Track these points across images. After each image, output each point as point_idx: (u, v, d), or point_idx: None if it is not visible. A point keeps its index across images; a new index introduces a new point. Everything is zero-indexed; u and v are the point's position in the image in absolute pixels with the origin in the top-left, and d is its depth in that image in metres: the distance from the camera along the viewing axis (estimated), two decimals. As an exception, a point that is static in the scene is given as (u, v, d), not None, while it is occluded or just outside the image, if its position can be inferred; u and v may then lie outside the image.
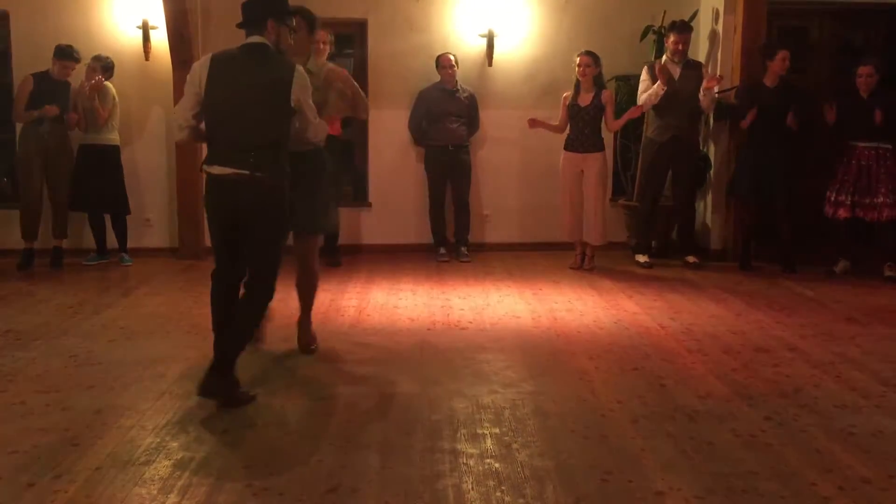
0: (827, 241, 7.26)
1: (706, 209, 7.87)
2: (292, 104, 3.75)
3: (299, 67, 3.82)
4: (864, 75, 6.65)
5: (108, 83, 7.06)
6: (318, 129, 4.02)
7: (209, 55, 3.81)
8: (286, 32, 3.88)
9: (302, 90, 3.77)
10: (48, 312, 5.51)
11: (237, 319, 3.83)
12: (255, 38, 3.79)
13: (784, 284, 6.55)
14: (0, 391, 3.97)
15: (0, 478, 3.02)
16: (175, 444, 3.36)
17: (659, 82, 6.89)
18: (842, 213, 6.71)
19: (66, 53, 6.90)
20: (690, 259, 7.26)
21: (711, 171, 7.73)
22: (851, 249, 6.91)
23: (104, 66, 7.03)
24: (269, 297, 3.91)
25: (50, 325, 5.19)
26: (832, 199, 6.77)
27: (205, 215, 3.99)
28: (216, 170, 3.72)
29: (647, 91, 7.05)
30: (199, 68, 3.77)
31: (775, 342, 4.92)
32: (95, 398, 3.88)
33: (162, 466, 3.14)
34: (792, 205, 6.98)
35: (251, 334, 3.94)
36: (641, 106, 7.03)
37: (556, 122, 7.07)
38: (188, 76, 3.82)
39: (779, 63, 6.86)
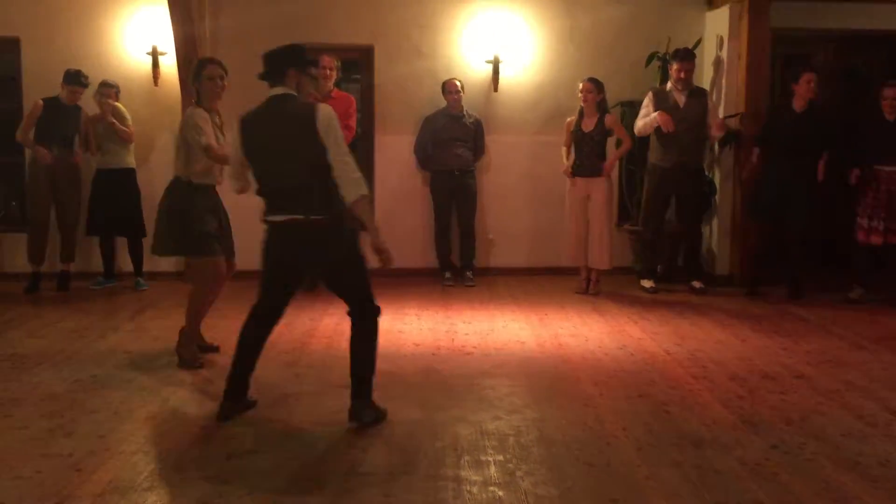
0: (841, 268, 7.24)
1: (712, 234, 7.87)
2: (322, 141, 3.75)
3: (322, 105, 3.86)
4: (891, 98, 6.62)
5: (119, 104, 7.12)
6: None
7: (239, 118, 3.89)
8: (307, 81, 3.98)
9: (326, 127, 3.76)
10: (54, 336, 5.52)
11: (362, 346, 3.95)
12: (279, 90, 3.87)
13: (791, 311, 6.52)
14: (4, 415, 3.97)
15: (3, 503, 3.01)
16: (178, 470, 3.35)
17: (656, 115, 6.93)
18: (874, 238, 6.67)
19: (74, 79, 6.96)
20: (696, 284, 7.25)
21: (717, 196, 7.74)
22: (869, 276, 6.87)
23: (116, 90, 7.09)
24: (376, 312, 4.02)
25: (55, 349, 5.20)
26: (865, 225, 6.71)
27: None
28: (276, 218, 3.79)
29: (645, 119, 7.08)
30: (234, 132, 3.93)
31: (782, 369, 4.89)
32: (99, 423, 3.88)
33: (164, 493, 3.14)
34: (806, 231, 6.93)
35: (375, 354, 3.99)
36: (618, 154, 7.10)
37: (565, 156, 7.13)
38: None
39: (803, 86, 6.82)
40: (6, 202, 8.14)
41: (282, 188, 3.79)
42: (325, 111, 3.79)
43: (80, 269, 7.41)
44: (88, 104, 7.15)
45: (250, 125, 3.88)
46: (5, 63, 7.66)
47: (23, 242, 7.20)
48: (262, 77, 3.93)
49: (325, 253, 3.81)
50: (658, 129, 7.06)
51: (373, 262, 3.96)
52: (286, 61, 3.91)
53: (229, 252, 4.96)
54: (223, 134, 4.83)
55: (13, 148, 7.16)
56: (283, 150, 3.78)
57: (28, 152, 7.10)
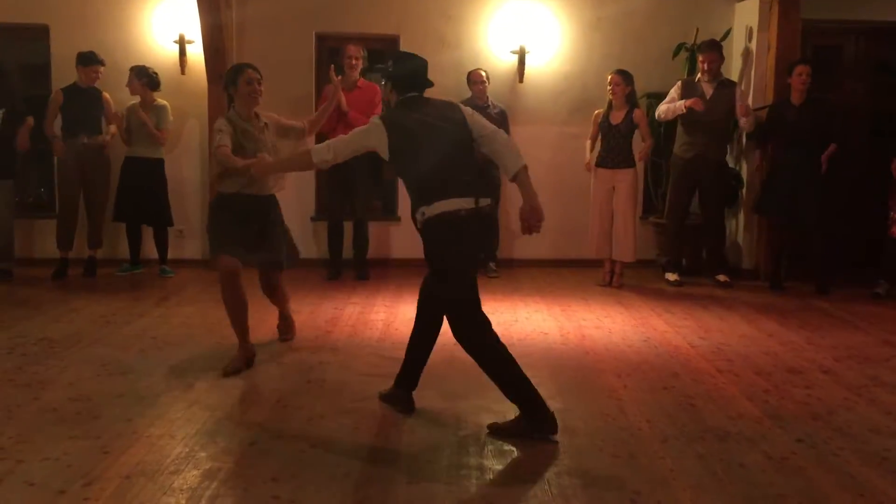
0: (871, 263, 7.18)
1: (737, 228, 7.81)
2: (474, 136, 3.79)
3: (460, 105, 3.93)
4: None
5: (163, 102, 7.16)
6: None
7: (382, 122, 3.77)
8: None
9: (471, 113, 3.86)
10: (81, 321, 5.59)
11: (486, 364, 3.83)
12: (415, 93, 3.87)
13: (817, 305, 6.46)
14: (33, 398, 4.02)
15: (33, 484, 3.06)
16: (204, 455, 3.38)
17: (683, 102, 6.89)
18: None
19: (89, 58, 7.01)
20: (721, 278, 7.20)
21: (743, 190, 7.67)
22: None
23: (150, 81, 7.13)
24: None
25: (83, 333, 5.27)
26: None
27: None
28: (462, 205, 3.67)
29: (669, 105, 7.03)
30: (377, 134, 3.74)
31: (808, 364, 4.85)
32: (126, 407, 3.93)
33: (191, 476, 3.17)
34: (824, 223, 6.89)
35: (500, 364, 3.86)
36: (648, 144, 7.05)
37: (588, 149, 7.10)
38: (363, 130, 3.85)
39: (795, 79, 6.81)
40: (35, 188, 8.23)
41: (455, 177, 3.70)
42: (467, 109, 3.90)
43: (106, 255, 7.49)
44: (118, 92, 7.22)
45: (404, 126, 3.76)
46: (35, 51, 7.75)
47: (51, 228, 7.30)
48: (417, 89, 3.89)
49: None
50: (683, 118, 7.01)
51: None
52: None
53: (268, 263, 4.84)
54: (264, 136, 4.70)
55: (42, 135, 7.24)
56: (451, 147, 3.73)
57: (59, 136, 7.17)
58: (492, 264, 7.61)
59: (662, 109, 7.13)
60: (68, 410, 3.86)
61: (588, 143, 7.11)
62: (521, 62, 7.78)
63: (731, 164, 7.69)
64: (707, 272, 7.41)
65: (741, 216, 7.74)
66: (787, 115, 6.89)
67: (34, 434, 3.56)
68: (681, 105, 6.93)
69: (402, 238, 7.95)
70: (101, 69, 7.08)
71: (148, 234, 7.37)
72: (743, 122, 7.04)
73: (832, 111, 6.96)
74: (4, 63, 7.29)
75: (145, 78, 7.09)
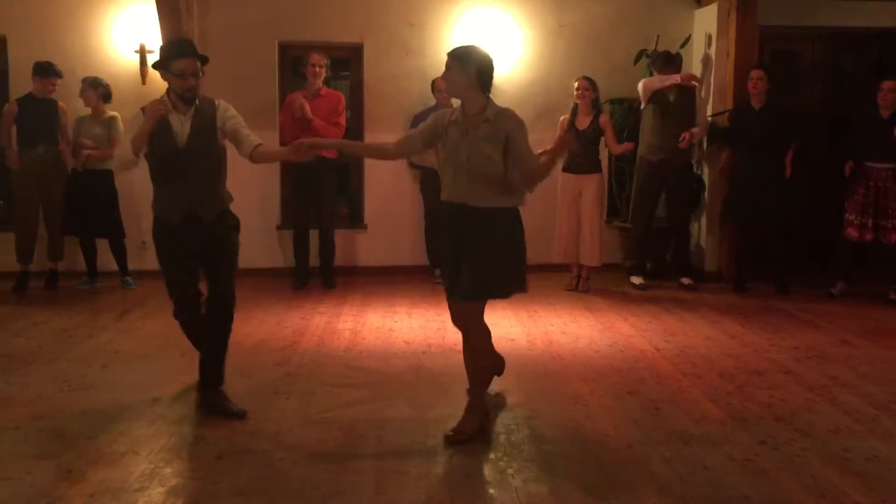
0: (823, 263, 7.32)
1: (700, 231, 7.91)
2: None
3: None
4: (887, 89, 6.62)
5: (115, 112, 7.06)
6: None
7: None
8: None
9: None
10: (42, 336, 5.50)
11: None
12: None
13: (778, 306, 6.56)
14: (-6, 416, 3.96)
15: (-7, 505, 3.01)
16: (169, 471, 3.35)
17: (678, 75, 7.01)
18: (867, 235, 6.71)
19: (47, 70, 6.89)
20: (685, 281, 7.28)
21: (706, 193, 7.78)
22: (852, 272, 6.93)
23: (104, 92, 7.03)
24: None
25: (44, 348, 5.19)
26: (856, 221, 6.75)
27: None
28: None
29: (661, 77, 7.09)
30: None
31: (770, 365, 4.93)
32: (89, 424, 3.87)
33: (156, 493, 3.14)
34: (786, 226, 7.02)
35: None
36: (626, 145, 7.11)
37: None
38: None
39: (750, 84, 6.95)
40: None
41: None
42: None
43: (68, 267, 7.37)
44: (76, 101, 7.12)
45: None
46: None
47: (10, 241, 7.15)
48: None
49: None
50: (655, 115, 7.07)
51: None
52: None
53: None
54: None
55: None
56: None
57: (16, 148, 7.05)
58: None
59: (648, 80, 7.13)
60: (30, 428, 3.81)
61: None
62: (485, 69, 7.80)
63: (693, 168, 7.78)
64: (671, 275, 7.49)
65: (703, 219, 7.84)
66: (747, 120, 7.01)
67: (-5, 454, 3.50)
68: (676, 77, 6.99)
69: (369, 246, 7.94)
70: (59, 81, 6.98)
71: (104, 246, 7.27)
72: (695, 129, 7.10)
73: (790, 114, 7.09)
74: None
75: (101, 88, 7.00)
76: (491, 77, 3.81)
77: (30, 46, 7.32)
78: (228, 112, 4.12)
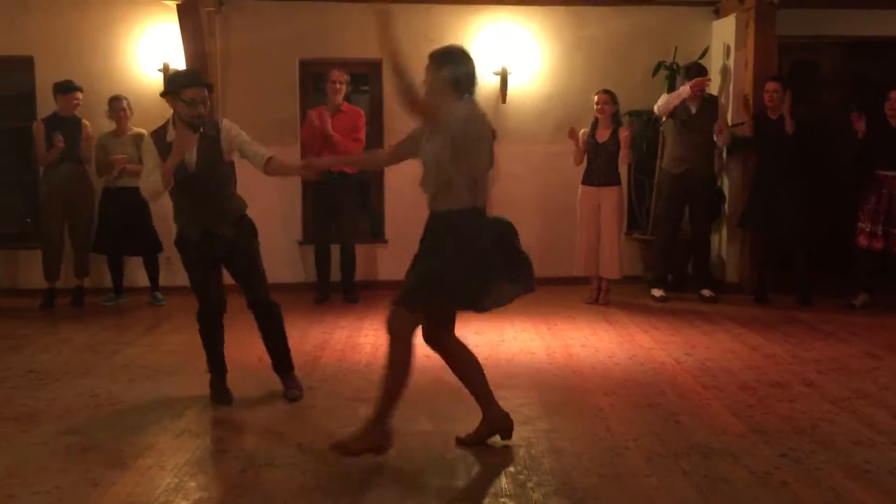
0: (846, 273, 7.27)
1: (721, 242, 7.89)
2: None
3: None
4: (894, 99, 6.62)
5: (143, 130, 7.16)
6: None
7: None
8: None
9: None
10: (69, 352, 5.59)
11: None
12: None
13: (800, 317, 6.53)
14: (22, 431, 4.04)
15: (22, 519, 3.08)
16: (193, 484, 3.41)
17: (686, 86, 6.98)
18: (875, 244, 6.69)
19: (67, 86, 7.05)
20: (706, 293, 7.27)
21: (726, 205, 7.76)
22: (872, 282, 6.89)
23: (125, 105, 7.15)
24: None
25: (71, 364, 5.27)
26: (867, 229, 6.73)
27: None
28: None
29: (670, 94, 7.15)
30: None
31: (791, 377, 4.91)
32: (115, 438, 3.94)
33: (180, 506, 3.19)
34: (806, 236, 6.99)
35: None
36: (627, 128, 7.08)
37: (577, 152, 7.12)
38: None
39: (765, 95, 6.97)
40: (22, 219, 8.23)
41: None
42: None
43: (94, 284, 7.49)
44: (101, 119, 7.26)
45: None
46: (21, 81, 7.78)
47: (37, 259, 7.30)
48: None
49: None
50: (677, 126, 7.08)
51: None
52: None
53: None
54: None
55: (28, 166, 7.27)
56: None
57: (41, 170, 7.19)
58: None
59: (661, 102, 7.19)
60: (58, 443, 3.88)
61: (573, 146, 7.12)
62: (504, 83, 7.86)
63: (716, 180, 7.78)
64: (692, 287, 7.47)
65: (724, 230, 7.82)
66: (767, 130, 7.00)
67: (24, 468, 3.57)
68: (684, 89, 7.00)
69: (390, 260, 7.98)
70: (80, 95, 7.12)
71: (131, 263, 7.38)
72: (717, 137, 7.12)
73: (810, 124, 7.07)
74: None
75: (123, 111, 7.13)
76: (468, 81, 3.69)
77: (56, 67, 7.46)
78: (233, 132, 4.35)
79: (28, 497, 3.27)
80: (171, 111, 4.34)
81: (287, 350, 4.65)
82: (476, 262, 3.61)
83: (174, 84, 4.28)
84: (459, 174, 3.59)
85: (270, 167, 4.31)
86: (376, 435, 3.60)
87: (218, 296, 4.48)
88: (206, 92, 4.30)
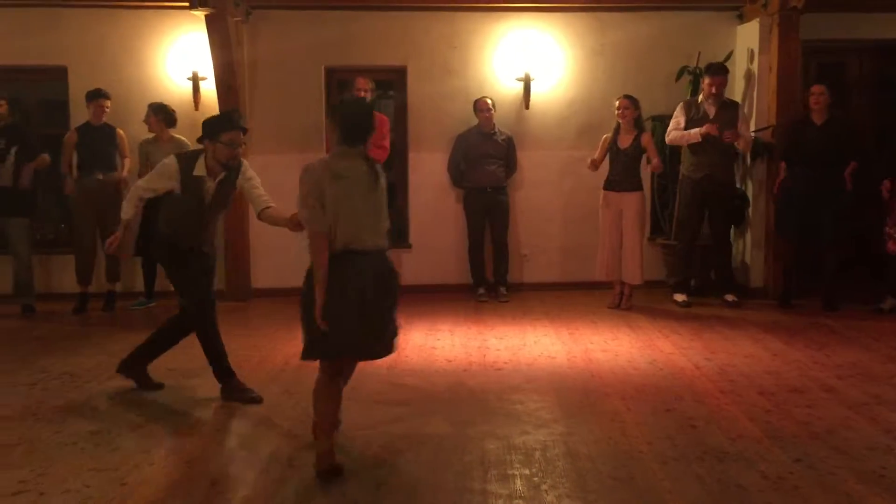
0: (874, 278, 7.22)
1: (745, 247, 7.88)
2: None
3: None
4: None
5: (182, 137, 7.32)
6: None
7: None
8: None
9: None
10: (101, 355, 5.74)
11: None
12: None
13: (824, 322, 6.51)
14: (55, 432, 4.17)
15: (53, 515, 3.20)
16: (217, 483, 3.51)
17: (697, 131, 6.97)
18: None
19: (95, 94, 7.25)
20: (729, 297, 7.26)
21: (750, 209, 7.75)
22: None
23: (167, 118, 7.30)
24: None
25: (102, 366, 5.42)
26: (894, 235, 6.69)
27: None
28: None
29: (678, 130, 7.14)
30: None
31: (811, 382, 4.91)
32: (143, 438, 4.07)
33: (204, 503, 3.30)
34: (838, 242, 6.95)
35: None
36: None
37: (595, 160, 7.14)
38: None
39: (811, 99, 6.92)
40: (56, 224, 8.45)
41: None
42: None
43: (126, 288, 7.67)
44: (134, 127, 7.43)
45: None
46: (56, 90, 7.99)
47: (70, 264, 7.49)
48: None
49: None
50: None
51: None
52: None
53: None
54: None
55: (60, 172, 7.47)
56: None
57: (75, 177, 7.37)
58: (502, 289, 7.71)
59: (674, 136, 7.20)
60: (88, 443, 4.01)
61: (589, 161, 7.14)
62: (527, 89, 7.92)
63: (736, 184, 7.77)
64: (716, 292, 7.47)
65: (749, 235, 7.81)
66: (806, 135, 6.95)
67: (56, 466, 3.70)
68: (696, 133, 7.01)
69: (413, 265, 8.07)
70: (108, 102, 7.30)
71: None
72: (739, 143, 7.12)
73: (853, 129, 7.04)
74: (21, 102, 7.52)
75: (161, 115, 7.27)
76: (351, 128, 3.66)
77: (89, 76, 7.66)
78: (248, 173, 4.64)
79: (59, 495, 3.39)
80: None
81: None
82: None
83: (213, 128, 4.50)
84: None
85: (265, 215, 4.53)
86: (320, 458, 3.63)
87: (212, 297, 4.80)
88: (243, 134, 4.54)
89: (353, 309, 3.53)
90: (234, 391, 4.70)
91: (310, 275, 3.63)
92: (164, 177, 4.58)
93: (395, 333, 3.79)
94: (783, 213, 7.15)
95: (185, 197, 4.57)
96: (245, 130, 4.60)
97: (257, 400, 4.63)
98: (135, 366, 4.92)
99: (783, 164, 7.12)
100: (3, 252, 7.32)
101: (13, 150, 7.07)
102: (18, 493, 3.40)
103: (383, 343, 3.73)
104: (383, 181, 3.76)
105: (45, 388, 4.97)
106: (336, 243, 3.57)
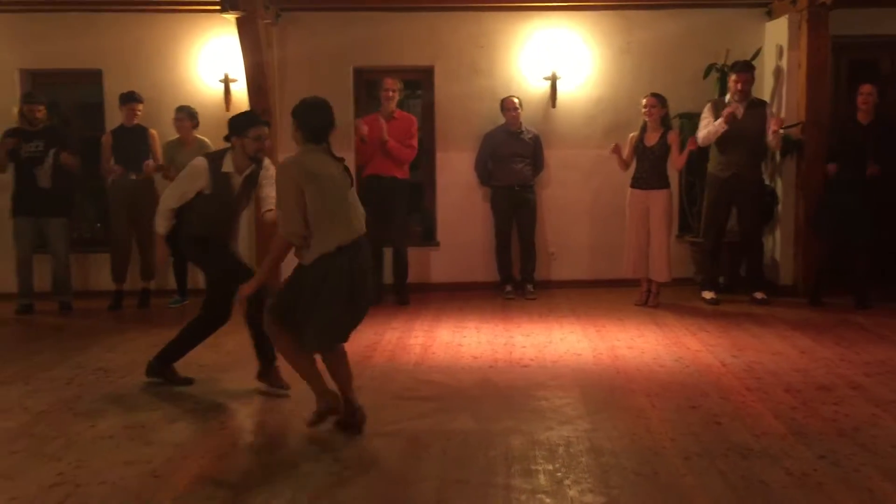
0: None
1: (775, 244, 7.83)
2: None
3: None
4: None
5: (205, 138, 7.45)
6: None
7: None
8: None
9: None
10: (135, 351, 5.87)
11: None
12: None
13: (854, 321, 6.47)
14: (91, 426, 4.29)
15: (89, 506, 3.31)
16: (246, 475, 3.60)
17: (720, 120, 6.95)
18: None
19: (127, 97, 7.42)
20: (758, 295, 7.23)
21: (779, 207, 7.71)
22: None
23: (190, 115, 7.44)
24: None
25: (137, 363, 5.53)
26: None
27: None
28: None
29: (707, 128, 7.12)
30: None
31: (839, 380, 4.90)
32: (176, 432, 4.17)
33: (229, 496, 3.38)
34: (872, 241, 6.88)
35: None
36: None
37: (621, 162, 7.18)
38: None
39: (859, 98, 6.87)
40: (92, 224, 8.64)
41: None
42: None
43: (160, 286, 7.83)
44: (166, 128, 7.58)
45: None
46: (91, 92, 8.17)
47: (106, 262, 7.67)
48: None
49: None
50: (718, 138, 7.08)
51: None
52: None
53: None
54: None
55: (97, 172, 7.64)
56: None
57: (109, 177, 7.54)
58: (529, 286, 7.75)
59: (702, 135, 7.18)
60: (123, 437, 4.12)
61: (616, 158, 7.17)
62: (554, 88, 7.94)
63: (765, 181, 7.73)
64: (745, 290, 7.44)
65: (778, 232, 7.76)
66: (854, 134, 6.89)
67: (92, 459, 3.82)
68: (720, 123, 6.99)
69: (441, 263, 8.14)
70: (140, 106, 7.46)
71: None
72: (771, 139, 7.07)
73: (890, 125, 6.97)
74: (59, 105, 7.70)
75: (195, 119, 7.41)
76: (315, 127, 3.96)
77: (124, 79, 7.82)
78: (269, 171, 4.87)
79: (95, 486, 3.50)
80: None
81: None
82: None
83: (240, 125, 4.74)
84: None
85: (266, 217, 4.76)
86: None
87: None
88: (267, 129, 4.82)
89: (352, 296, 3.94)
90: (271, 377, 4.85)
91: (299, 270, 3.96)
92: (194, 177, 4.76)
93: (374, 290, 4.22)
94: (822, 211, 7.08)
95: (214, 194, 4.76)
96: (268, 124, 4.94)
97: (284, 391, 4.80)
98: (163, 365, 5.05)
99: (832, 167, 7.00)
100: (42, 251, 7.50)
101: (52, 153, 7.25)
102: (56, 485, 3.51)
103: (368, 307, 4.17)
104: (351, 174, 4.06)
105: (82, 383, 5.11)
106: (329, 243, 3.87)
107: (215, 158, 4.81)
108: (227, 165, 4.77)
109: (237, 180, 4.81)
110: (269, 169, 4.89)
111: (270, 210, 4.67)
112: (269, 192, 4.77)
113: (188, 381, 5.03)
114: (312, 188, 3.82)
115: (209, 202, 4.77)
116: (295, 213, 3.81)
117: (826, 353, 5.53)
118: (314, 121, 3.96)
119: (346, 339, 4.11)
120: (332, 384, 4.17)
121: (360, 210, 4.11)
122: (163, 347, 5.09)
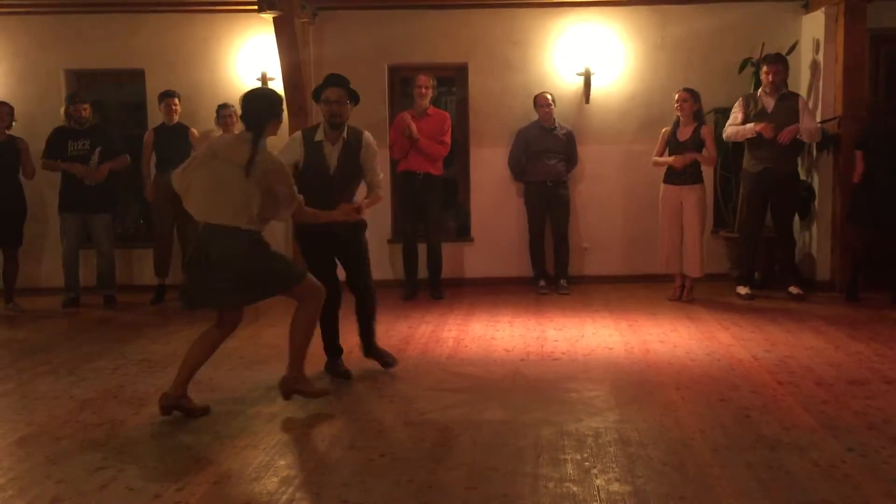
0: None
1: (812, 240, 7.78)
2: None
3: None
4: None
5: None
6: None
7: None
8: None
9: None
10: (177, 343, 6.04)
11: None
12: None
13: (891, 316, 6.41)
14: (134, 413, 4.45)
15: (132, 489, 3.45)
16: (282, 463, 3.72)
17: (752, 125, 6.92)
18: None
19: (165, 93, 7.64)
20: (794, 290, 7.19)
21: (816, 202, 7.65)
22: None
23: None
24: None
25: (178, 354, 5.65)
26: None
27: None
28: None
29: (735, 125, 7.09)
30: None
31: (872, 374, 4.88)
32: (215, 420, 4.31)
33: (270, 482, 3.50)
34: None
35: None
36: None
37: (659, 157, 7.18)
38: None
39: None
40: (136, 220, 8.87)
41: None
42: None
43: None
44: (207, 126, 7.76)
45: None
46: (134, 92, 8.39)
47: (149, 257, 7.88)
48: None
49: None
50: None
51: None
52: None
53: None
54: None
55: (139, 172, 7.85)
56: None
57: (153, 174, 7.74)
58: (563, 281, 7.79)
59: (730, 132, 7.17)
60: (164, 424, 4.27)
61: (654, 159, 7.20)
62: (587, 83, 7.97)
63: (802, 176, 7.68)
64: (780, 285, 7.40)
65: (815, 227, 7.70)
66: (889, 125, 6.84)
67: (134, 445, 3.97)
68: (751, 128, 6.97)
69: (475, 258, 8.22)
70: (177, 101, 7.65)
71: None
72: (803, 134, 7.02)
73: None
74: (103, 105, 7.92)
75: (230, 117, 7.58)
76: (246, 113, 4.31)
77: (165, 78, 8.03)
78: (370, 150, 4.93)
79: (137, 470, 3.64)
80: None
81: (374, 327, 5.22)
82: None
83: (316, 92, 4.91)
84: None
85: (373, 197, 4.98)
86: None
87: (334, 284, 4.88)
88: (344, 92, 4.79)
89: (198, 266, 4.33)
90: (336, 368, 5.08)
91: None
92: (289, 149, 4.87)
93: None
94: (859, 203, 7.02)
95: (308, 165, 4.82)
96: (347, 83, 4.84)
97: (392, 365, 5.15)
98: (373, 347, 5.23)
99: (859, 154, 6.97)
100: (87, 246, 7.73)
101: (97, 151, 7.47)
102: (100, 469, 3.66)
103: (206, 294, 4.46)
104: (259, 172, 4.18)
105: (125, 373, 5.28)
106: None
107: (310, 130, 4.96)
108: (319, 135, 4.87)
109: (329, 149, 4.83)
110: (370, 148, 4.92)
111: (379, 188, 4.96)
112: (371, 180, 4.95)
113: (347, 374, 5.09)
114: (203, 165, 4.30)
115: (304, 178, 4.73)
116: (187, 173, 4.42)
117: (860, 347, 5.50)
118: (246, 107, 4.30)
119: (191, 306, 4.53)
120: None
121: (242, 206, 4.21)
122: (361, 336, 5.22)
